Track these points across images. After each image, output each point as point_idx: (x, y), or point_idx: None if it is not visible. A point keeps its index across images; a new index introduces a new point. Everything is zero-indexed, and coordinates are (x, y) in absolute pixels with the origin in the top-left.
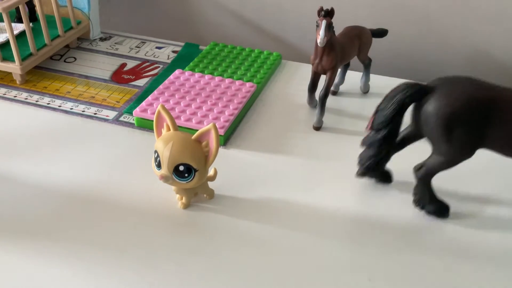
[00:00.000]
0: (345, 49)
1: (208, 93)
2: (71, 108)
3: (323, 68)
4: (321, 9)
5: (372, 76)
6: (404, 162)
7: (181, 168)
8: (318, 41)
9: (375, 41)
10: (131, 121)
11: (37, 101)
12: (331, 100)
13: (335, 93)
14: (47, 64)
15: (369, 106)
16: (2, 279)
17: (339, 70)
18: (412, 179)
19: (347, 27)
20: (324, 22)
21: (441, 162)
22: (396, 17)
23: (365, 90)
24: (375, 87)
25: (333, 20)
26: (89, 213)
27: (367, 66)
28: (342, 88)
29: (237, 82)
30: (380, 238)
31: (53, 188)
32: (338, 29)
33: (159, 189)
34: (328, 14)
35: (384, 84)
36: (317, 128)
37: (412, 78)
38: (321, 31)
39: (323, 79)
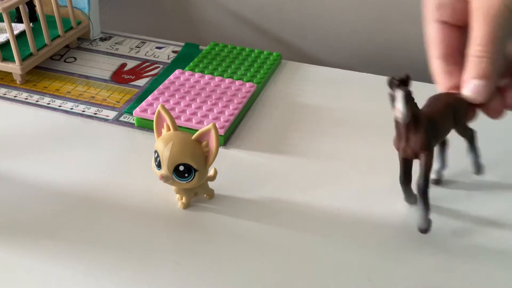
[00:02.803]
0: (436, 122)
1: (208, 93)
2: (71, 108)
3: (413, 151)
4: (392, 79)
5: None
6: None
7: (181, 168)
8: (400, 116)
9: (376, 41)
10: (131, 121)
11: (37, 101)
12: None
13: (438, 182)
14: (47, 64)
15: None
16: (2, 279)
17: (436, 151)
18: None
19: (431, 96)
20: (401, 94)
21: None
22: (397, 17)
23: (479, 172)
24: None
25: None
26: (89, 213)
27: (471, 141)
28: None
29: (237, 82)
30: (380, 238)
31: (53, 188)
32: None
33: (159, 189)
34: (403, 82)
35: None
36: (424, 230)
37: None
38: (400, 105)
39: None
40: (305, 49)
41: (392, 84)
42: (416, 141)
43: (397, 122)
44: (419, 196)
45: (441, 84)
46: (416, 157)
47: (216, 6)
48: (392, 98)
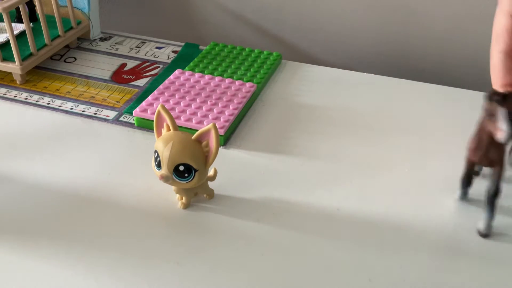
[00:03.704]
0: None
1: (208, 93)
2: (71, 108)
3: (489, 161)
4: (493, 94)
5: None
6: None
7: (181, 168)
8: (500, 136)
9: (376, 41)
10: (131, 121)
11: (37, 101)
12: None
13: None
14: (47, 64)
15: None
16: (2, 279)
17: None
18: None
19: None
20: (503, 112)
21: None
22: (397, 17)
23: None
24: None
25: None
26: (88, 213)
27: None
28: None
29: (237, 82)
30: (380, 238)
31: (53, 188)
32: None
33: (159, 189)
34: (505, 98)
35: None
36: (485, 235)
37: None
38: (504, 125)
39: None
40: (305, 49)
41: (492, 99)
42: (496, 154)
43: (481, 131)
44: (487, 203)
45: (497, 79)
46: (491, 165)
47: (216, 6)
48: (489, 113)
